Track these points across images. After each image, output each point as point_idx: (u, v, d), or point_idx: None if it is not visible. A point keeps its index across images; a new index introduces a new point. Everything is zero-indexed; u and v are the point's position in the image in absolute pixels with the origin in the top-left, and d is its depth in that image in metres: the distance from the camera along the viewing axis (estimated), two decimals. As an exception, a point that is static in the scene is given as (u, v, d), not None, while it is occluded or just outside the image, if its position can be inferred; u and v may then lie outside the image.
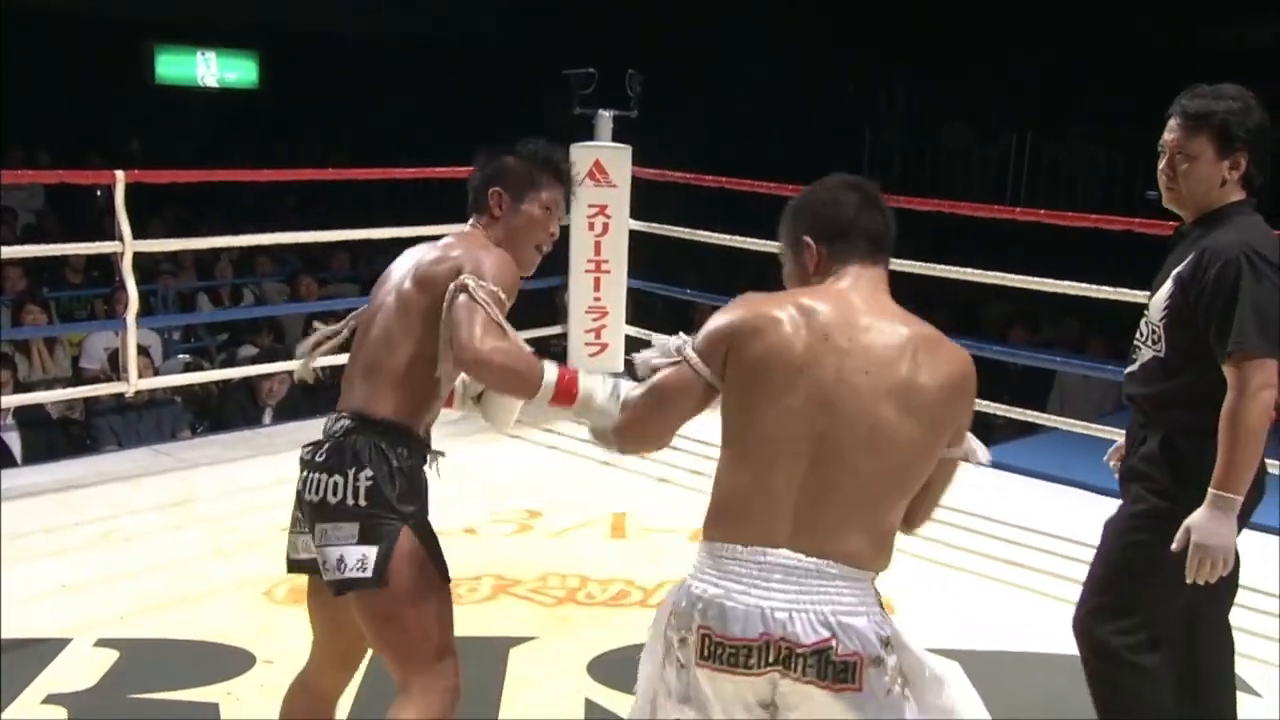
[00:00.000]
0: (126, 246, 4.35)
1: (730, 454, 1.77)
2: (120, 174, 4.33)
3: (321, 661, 2.27)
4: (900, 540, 3.50)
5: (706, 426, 1.88)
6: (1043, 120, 12.81)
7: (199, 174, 5.41)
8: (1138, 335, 2.42)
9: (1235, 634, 3.03)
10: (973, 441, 1.82)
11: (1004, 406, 4.93)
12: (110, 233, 4.42)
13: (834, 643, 1.66)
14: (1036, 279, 4.70)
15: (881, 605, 1.75)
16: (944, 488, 1.86)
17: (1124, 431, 2.57)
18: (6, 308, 7.37)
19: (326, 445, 2.09)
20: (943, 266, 4.93)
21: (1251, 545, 4.05)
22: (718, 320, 1.79)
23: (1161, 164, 2.33)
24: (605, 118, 5.49)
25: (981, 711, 1.68)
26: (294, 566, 2.19)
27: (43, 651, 3.08)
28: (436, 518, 4.19)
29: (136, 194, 4.41)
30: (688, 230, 5.67)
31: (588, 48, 6.44)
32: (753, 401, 1.74)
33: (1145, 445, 2.36)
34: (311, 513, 2.08)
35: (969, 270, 4.86)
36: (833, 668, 1.65)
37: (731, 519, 1.73)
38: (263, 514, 3.99)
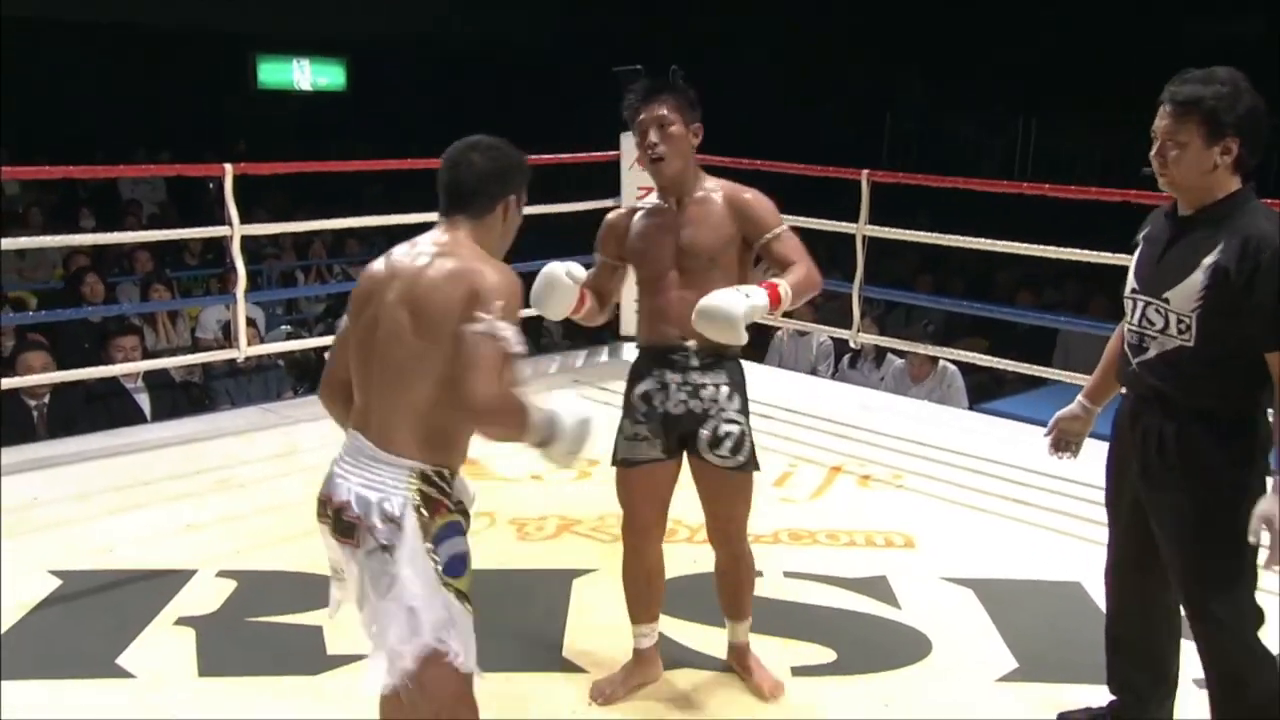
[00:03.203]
0: (235, 231, 4.38)
1: None
2: (229, 167, 4.35)
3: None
4: (921, 484, 3.43)
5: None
6: (1044, 108, 12.54)
7: (296, 166, 5.41)
8: (1144, 324, 2.14)
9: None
10: (494, 323, 1.80)
11: (1013, 362, 4.85)
12: (221, 220, 4.45)
13: (346, 507, 1.87)
14: (1042, 247, 4.60)
15: (415, 490, 1.84)
16: (469, 359, 1.81)
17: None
18: (136, 286, 7.48)
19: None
20: (957, 238, 4.84)
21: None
22: None
23: (1153, 151, 2.10)
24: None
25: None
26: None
27: (173, 581, 3.15)
28: (506, 467, 4.25)
29: (242, 185, 4.43)
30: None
31: (626, 45, 6.34)
32: (350, 322, 1.97)
33: (1180, 433, 2.10)
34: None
35: (981, 240, 4.76)
36: (342, 525, 1.89)
37: (353, 409, 1.98)
38: (357, 463, 4.04)
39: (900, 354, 5.68)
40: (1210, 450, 2.08)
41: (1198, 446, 2.09)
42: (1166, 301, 2.10)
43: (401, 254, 1.96)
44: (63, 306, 6.36)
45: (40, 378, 4.43)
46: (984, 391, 6.01)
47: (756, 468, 2.53)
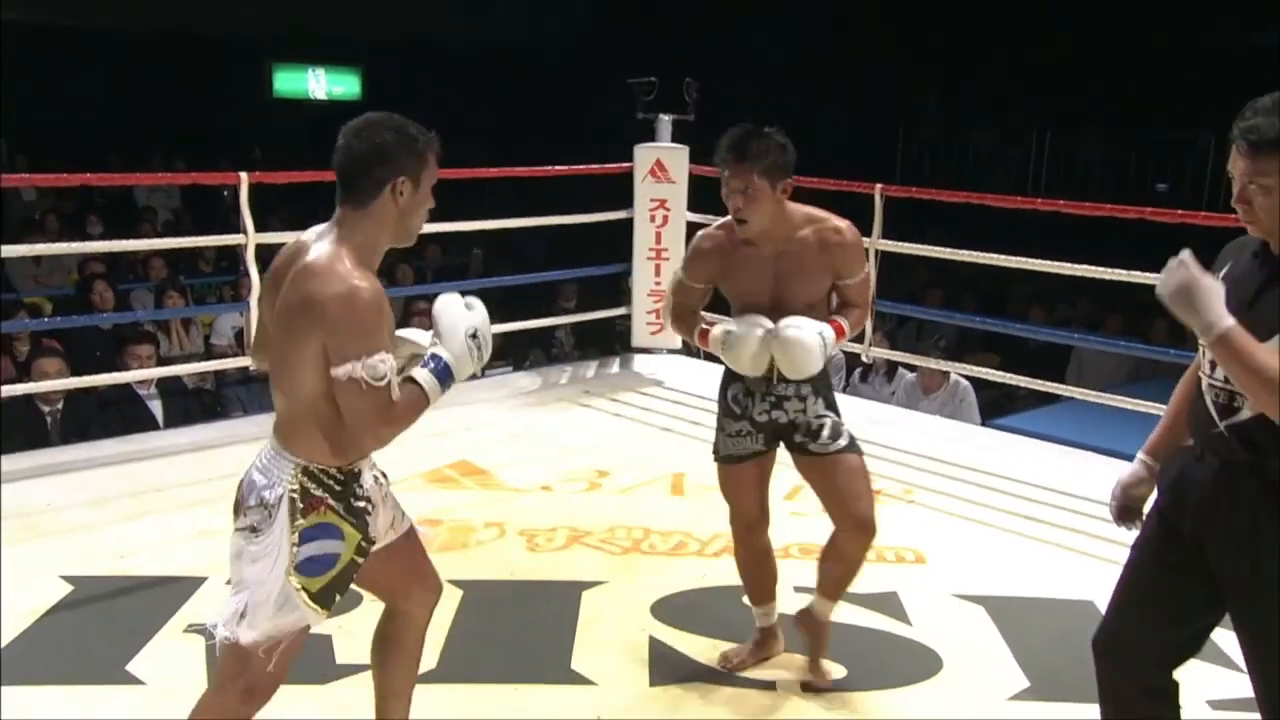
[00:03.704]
0: (250, 239, 4.41)
1: None
2: (244, 175, 4.39)
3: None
4: (933, 500, 3.44)
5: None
6: (1060, 121, 12.52)
7: (311, 175, 5.43)
8: (1232, 381, 1.78)
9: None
10: (355, 367, 1.77)
11: (1026, 378, 4.84)
12: (236, 227, 4.49)
13: (240, 486, 1.96)
14: (1056, 263, 4.60)
15: (296, 484, 1.89)
16: (349, 408, 1.81)
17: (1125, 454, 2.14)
18: (150, 293, 7.53)
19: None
20: (970, 253, 4.84)
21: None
22: None
23: (1234, 196, 1.77)
24: (665, 121, 5.47)
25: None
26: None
27: (183, 587, 3.16)
28: (517, 477, 4.24)
29: (257, 193, 4.46)
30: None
31: (647, 56, 6.37)
32: (262, 306, 2.01)
33: None
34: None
35: (994, 256, 4.76)
36: (238, 504, 1.97)
37: None
38: (368, 471, 4.05)
39: (911, 368, 5.68)
40: None
41: None
42: None
43: (296, 249, 1.91)
44: (75, 313, 6.40)
45: (54, 383, 4.46)
46: (996, 407, 6.00)
47: (859, 450, 2.64)
